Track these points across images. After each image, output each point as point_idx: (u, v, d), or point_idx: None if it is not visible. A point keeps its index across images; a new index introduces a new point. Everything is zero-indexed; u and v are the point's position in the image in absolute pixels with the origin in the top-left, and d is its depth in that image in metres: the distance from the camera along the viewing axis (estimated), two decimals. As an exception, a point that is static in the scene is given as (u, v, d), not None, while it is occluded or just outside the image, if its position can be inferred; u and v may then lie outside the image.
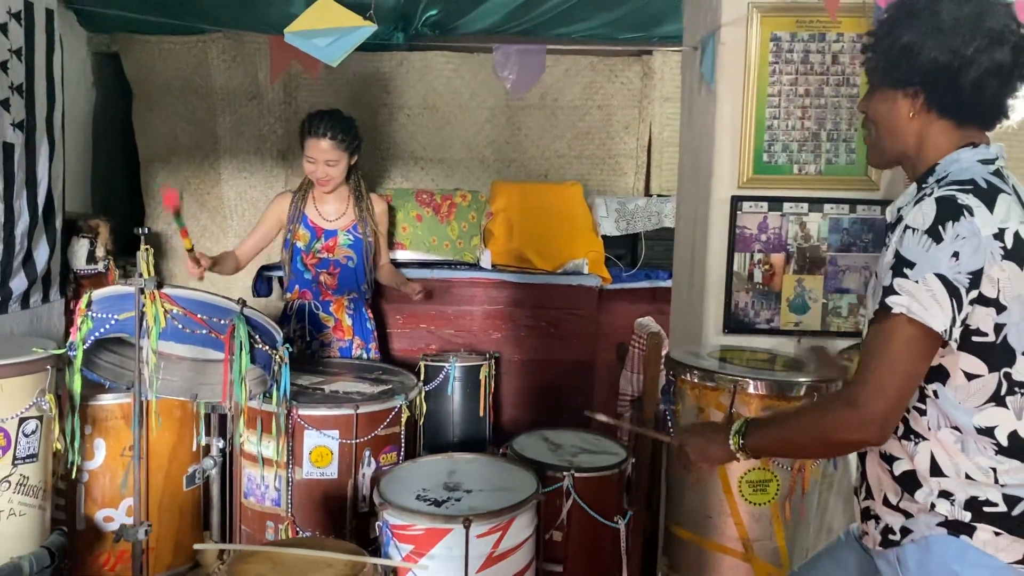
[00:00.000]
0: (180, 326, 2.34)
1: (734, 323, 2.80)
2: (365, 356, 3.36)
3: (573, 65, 4.30)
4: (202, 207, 4.31)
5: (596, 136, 4.40)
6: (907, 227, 1.48)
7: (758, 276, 2.78)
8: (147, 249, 2.27)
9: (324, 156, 3.18)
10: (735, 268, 2.78)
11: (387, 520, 2.07)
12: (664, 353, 3.22)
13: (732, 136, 2.75)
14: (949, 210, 1.45)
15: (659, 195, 4.36)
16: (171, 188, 2.57)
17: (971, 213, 1.45)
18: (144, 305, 2.28)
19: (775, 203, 2.76)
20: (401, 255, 3.82)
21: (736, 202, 2.75)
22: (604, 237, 4.04)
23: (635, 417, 3.14)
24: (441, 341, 3.81)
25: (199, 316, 2.36)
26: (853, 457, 2.69)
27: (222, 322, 2.39)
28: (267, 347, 2.47)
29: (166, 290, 2.32)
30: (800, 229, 2.76)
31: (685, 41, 3.17)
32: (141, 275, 2.26)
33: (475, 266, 3.91)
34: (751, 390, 2.22)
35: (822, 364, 2.34)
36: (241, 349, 2.38)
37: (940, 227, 1.44)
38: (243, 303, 2.42)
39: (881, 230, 2.76)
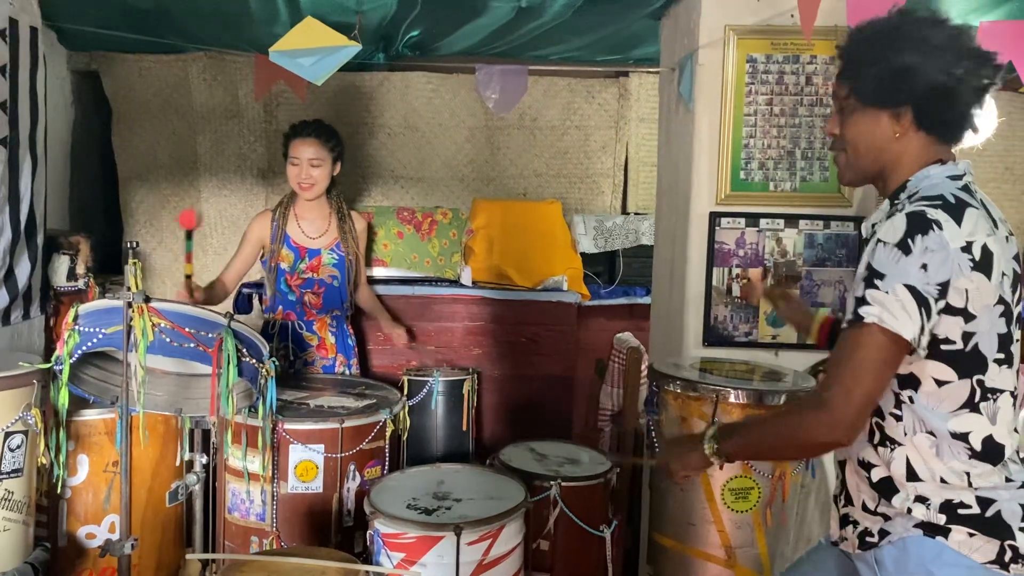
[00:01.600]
0: (168, 339, 2.35)
1: (713, 336, 2.86)
2: (347, 372, 3.38)
3: (551, 86, 4.38)
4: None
5: (574, 156, 4.47)
6: (879, 240, 1.54)
7: (736, 290, 2.85)
8: (135, 263, 2.27)
9: (308, 155, 3.21)
10: (714, 282, 2.84)
11: (378, 529, 2.09)
12: (645, 366, 3.28)
13: (710, 154, 2.82)
14: (918, 224, 1.51)
15: (636, 213, 4.43)
16: (191, 208, 2.59)
17: (940, 227, 1.51)
18: (132, 319, 2.29)
19: (752, 219, 2.83)
20: (382, 272, 3.85)
21: (714, 218, 2.82)
22: (582, 254, 4.10)
23: (615, 439, 3.20)
24: (422, 357, 3.84)
25: (187, 329, 2.37)
26: (831, 466, 2.77)
27: (210, 335, 2.40)
28: (254, 360, 2.49)
29: (154, 304, 2.33)
30: (776, 244, 2.84)
31: (663, 62, 3.25)
32: (129, 288, 2.27)
33: (455, 283, 3.94)
34: (733, 399, 2.28)
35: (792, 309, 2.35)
36: (229, 362, 2.39)
37: (909, 240, 1.50)
38: (231, 316, 2.43)
39: (854, 246, 2.84)
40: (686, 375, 2.42)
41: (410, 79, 4.27)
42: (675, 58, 3.03)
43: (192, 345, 2.39)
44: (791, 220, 2.84)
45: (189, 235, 2.64)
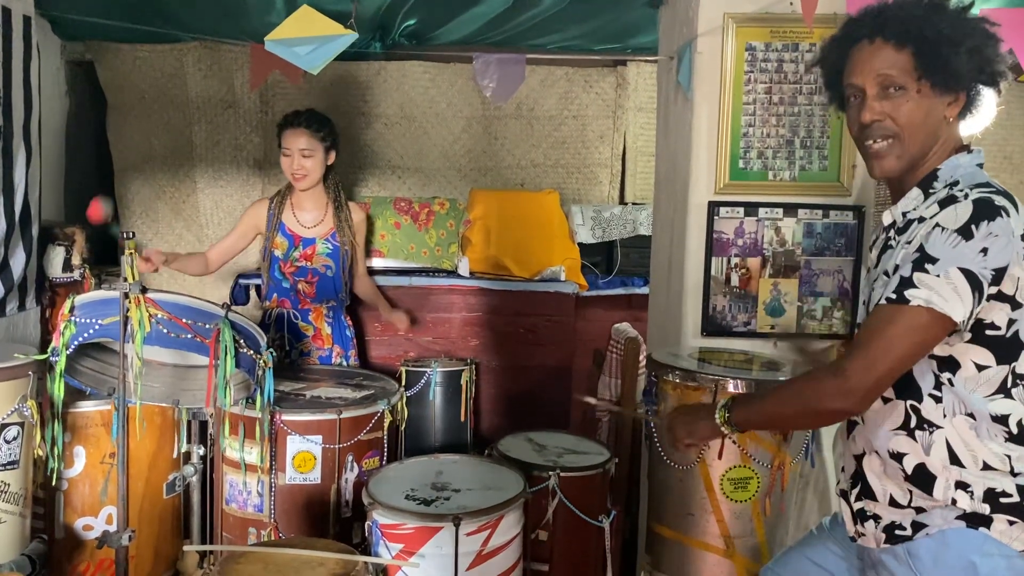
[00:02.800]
0: (165, 330, 2.34)
1: (712, 326, 2.85)
2: (344, 364, 3.37)
3: (548, 76, 4.35)
4: (177, 216, 4.29)
5: (572, 145, 4.45)
6: (937, 225, 1.52)
7: (735, 280, 2.84)
8: (131, 253, 2.26)
9: (299, 145, 3.21)
10: (712, 272, 2.83)
11: (376, 520, 2.08)
12: (642, 357, 3.28)
13: (709, 143, 2.81)
14: (986, 211, 1.50)
15: (634, 203, 4.41)
16: (97, 200, 2.57)
17: (1007, 214, 1.51)
18: (129, 309, 2.27)
19: (751, 208, 2.82)
20: (379, 262, 3.84)
21: (713, 207, 2.81)
22: (580, 245, 4.09)
23: (613, 430, 3.19)
24: (420, 348, 3.83)
25: (184, 320, 2.36)
26: (829, 454, 2.77)
27: (207, 326, 2.39)
28: (252, 351, 2.48)
29: (151, 295, 2.32)
30: (775, 234, 2.83)
31: (661, 51, 3.23)
32: (125, 279, 2.25)
33: (453, 273, 3.93)
34: (731, 388, 2.27)
35: (805, 358, 2.38)
36: (226, 353, 2.38)
37: (973, 226, 1.49)
38: (228, 307, 2.42)
39: (853, 235, 2.83)
40: (685, 365, 2.42)
41: (407, 68, 4.24)
42: (673, 47, 3.01)
43: (189, 336, 2.38)
44: (790, 209, 2.83)
45: (108, 227, 2.61)
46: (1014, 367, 1.56)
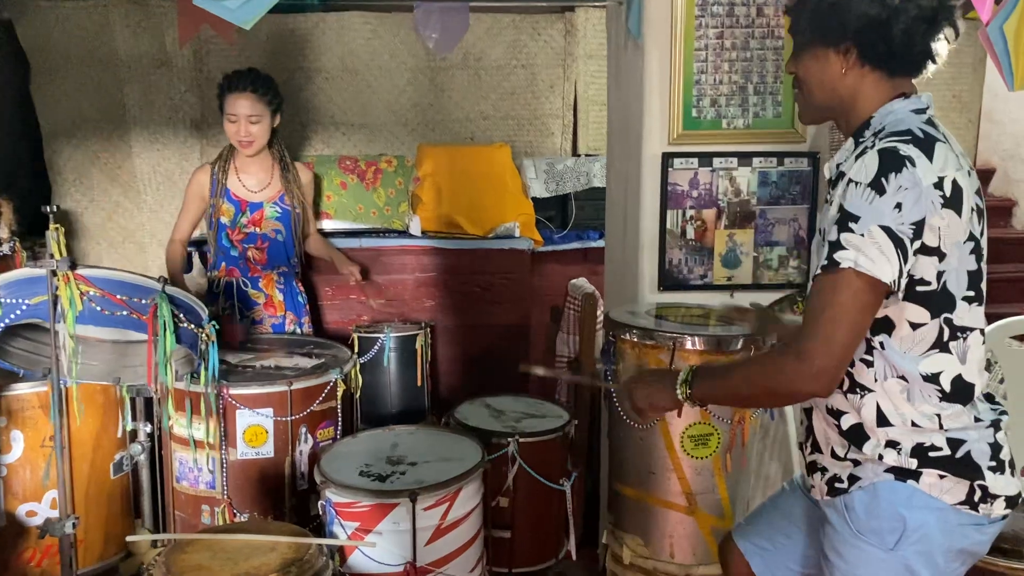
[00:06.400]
0: (98, 308, 2.22)
1: (669, 280, 2.80)
2: (298, 331, 3.27)
3: (495, 24, 4.22)
4: (114, 182, 4.10)
5: (521, 96, 4.34)
6: (850, 181, 1.49)
7: (690, 232, 2.79)
8: (57, 228, 2.13)
9: (246, 111, 3.06)
10: (668, 225, 2.78)
11: (330, 498, 2.02)
12: (599, 313, 3.23)
13: (661, 92, 2.73)
14: (891, 162, 1.46)
15: (587, 155, 4.33)
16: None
17: (913, 164, 1.46)
18: (58, 288, 2.15)
19: (705, 159, 2.76)
20: (327, 225, 3.72)
21: (667, 159, 2.74)
22: (534, 199, 4.00)
23: (572, 370, 3.14)
24: (373, 312, 3.74)
25: (118, 296, 2.24)
26: (790, 409, 2.76)
27: (143, 302, 2.27)
28: (192, 326, 2.37)
29: (81, 271, 2.19)
30: (730, 184, 2.77)
31: (609, -4, 3.13)
32: (52, 256, 2.13)
33: (404, 233, 3.82)
34: (689, 346, 2.23)
35: (744, 321, 2.34)
36: (165, 329, 2.27)
37: (883, 179, 1.45)
38: (164, 281, 2.31)
39: (808, 182, 2.79)
40: (642, 323, 2.37)
41: (346, 19, 4.08)
42: (622, -9, 2.91)
43: (125, 312, 2.26)
44: (744, 158, 2.77)
45: None
46: (949, 319, 1.53)
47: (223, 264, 3.20)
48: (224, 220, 3.15)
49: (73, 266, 2.16)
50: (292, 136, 4.12)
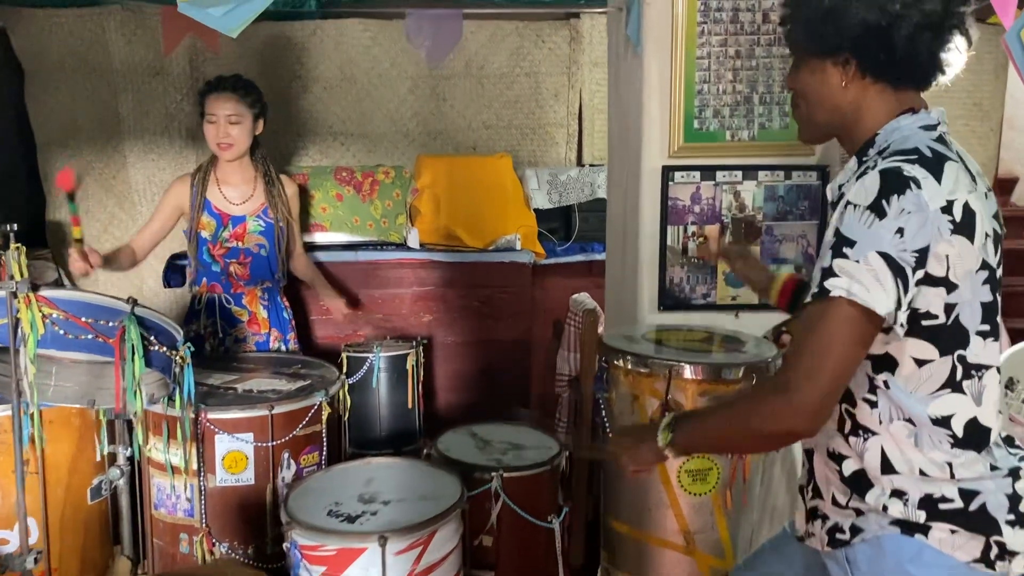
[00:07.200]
0: (62, 331, 2.11)
1: (669, 300, 2.67)
2: (284, 348, 3.15)
3: (498, 31, 4.10)
4: (108, 192, 4.02)
5: (525, 105, 4.22)
6: (848, 203, 1.36)
7: (692, 250, 2.65)
8: (18, 247, 2.03)
9: (225, 112, 2.96)
10: (668, 242, 2.64)
11: (295, 540, 1.89)
12: (601, 329, 3.10)
13: (661, 102, 2.60)
14: (894, 183, 1.32)
15: (592, 164, 4.21)
16: (69, 168, 2.44)
17: (918, 185, 1.32)
18: (18, 311, 2.05)
19: (707, 172, 2.62)
20: (322, 237, 3.61)
21: (667, 172, 2.61)
22: (536, 210, 3.89)
23: (572, 406, 3.02)
24: (369, 327, 3.63)
25: (83, 319, 2.13)
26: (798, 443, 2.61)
27: (110, 324, 2.16)
28: (165, 348, 2.26)
29: (43, 292, 2.09)
30: (735, 199, 2.64)
31: (610, 0, 3.01)
32: (12, 277, 2.02)
33: (402, 246, 3.71)
34: (687, 375, 2.09)
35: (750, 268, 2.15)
36: (134, 353, 2.17)
37: (884, 201, 1.32)
38: (134, 302, 2.20)
39: (817, 197, 2.65)
40: (637, 349, 2.23)
41: (345, 27, 3.98)
42: (623, -4, 2.78)
43: (91, 336, 2.15)
44: (750, 172, 2.63)
45: (71, 196, 2.45)
46: (963, 356, 1.39)
47: (204, 280, 3.08)
48: (205, 234, 3.04)
49: (35, 287, 2.06)
50: (288, 146, 4.03)
